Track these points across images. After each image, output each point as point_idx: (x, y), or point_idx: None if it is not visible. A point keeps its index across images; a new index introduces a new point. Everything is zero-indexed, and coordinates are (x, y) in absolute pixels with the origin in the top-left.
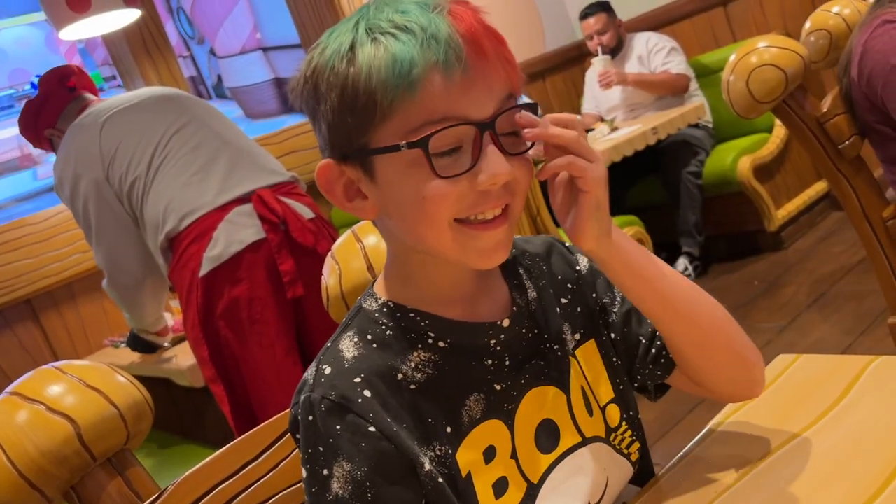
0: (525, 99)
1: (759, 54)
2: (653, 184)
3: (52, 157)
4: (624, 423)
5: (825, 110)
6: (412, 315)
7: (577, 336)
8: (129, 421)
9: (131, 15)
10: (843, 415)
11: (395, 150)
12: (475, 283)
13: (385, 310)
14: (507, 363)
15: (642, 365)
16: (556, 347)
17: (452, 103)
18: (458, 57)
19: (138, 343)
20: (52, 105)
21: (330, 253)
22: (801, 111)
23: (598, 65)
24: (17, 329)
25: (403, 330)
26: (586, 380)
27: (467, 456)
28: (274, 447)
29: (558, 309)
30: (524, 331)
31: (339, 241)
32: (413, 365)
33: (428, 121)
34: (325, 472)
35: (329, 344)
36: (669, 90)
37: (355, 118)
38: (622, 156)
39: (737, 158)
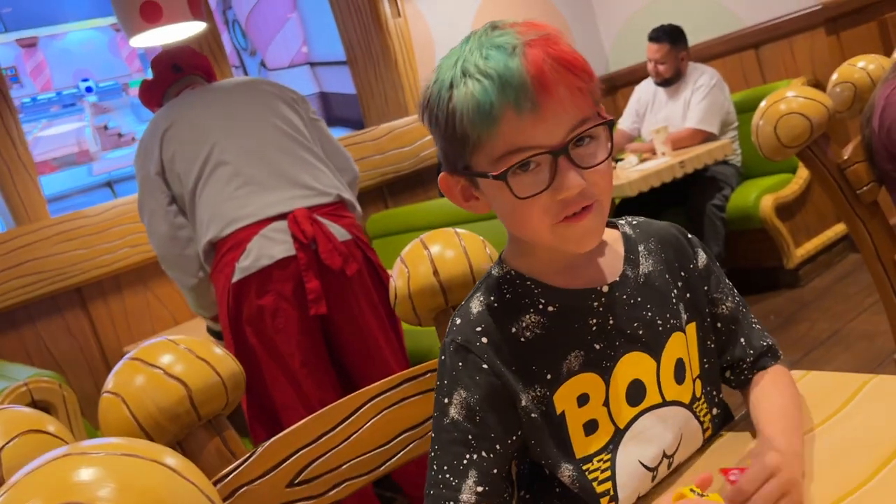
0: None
1: (788, 102)
2: (679, 214)
3: (108, 154)
4: (703, 396)
5: (846, 157)
6: (528, 283)
7: (685, 316)
8: (230, 388)
9: (197, 27)
10: (839, 422)
11: (485, 177)
12: (585, 255)
13: (508, 276)
14: (610, 324)
15: (739, 371)
16: (657, 320)
17: (526, 135)
18: (528, 97)
19: (210, 331)
20: (159, 85)
21: (399, 258)
22: (824, 157)
23: (657, 140)
24: (66, 315)
25: (520, 296)
26: (686, 354)
27: (563, 399)
28: (347, 421)
29: (673, 290)
30: (625, 297)
31: (407, 248)
32: (524, 325)
33: (507, 151)
34: (446, 399)
35: (463, 302)
36: (690, 144)
37: (456, 146)
38: (650, 186)
39: (760, 196)
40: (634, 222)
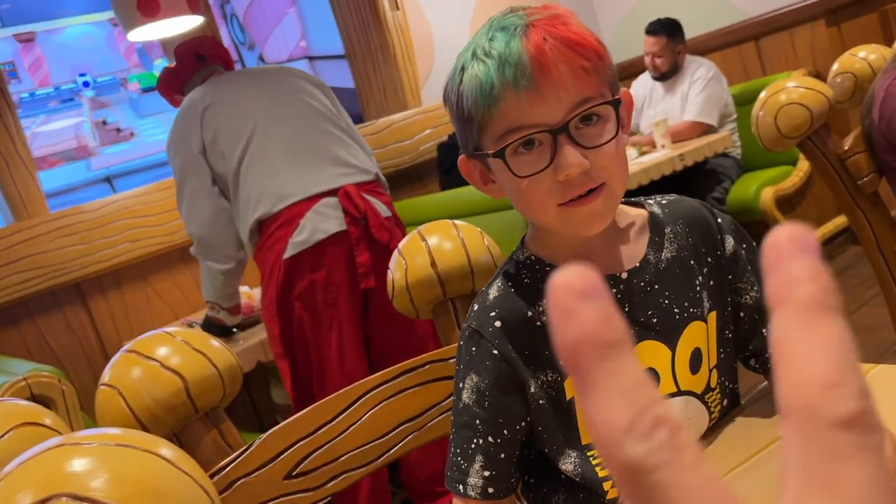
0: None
1: (788, 93)
2: None
3: (107, 149)
4: (718, 387)
5: (846, 148)
6: (547, 268)
7: (707, 304)
8: (227, 380)
9: (195, 21)
10: None
11: (488, 157)
12: (604, 239)
13: (528, 261)
14: (626, 312)
15: (763, 360)
16: (675, 308)
17: (525, 113)
18: (525, 76)
19: (211, 327)
20: (182, 73)
21: (397, 249)
22: (824, 147)
23: (656, 133)
24: (65, 310)
25: (538, 281)
26: (706, 343)
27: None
28: (345, 413)
29: (697, 276)
30: (643, 284)
31: (405, 239)
32: (541, 310)
33: (508, 129)
34: (461, 384)
35: (484, 287)
36: (689, 136)
37: (465, 127)
38: (650, 179)
39: (760, 188)
40: (664, 201)
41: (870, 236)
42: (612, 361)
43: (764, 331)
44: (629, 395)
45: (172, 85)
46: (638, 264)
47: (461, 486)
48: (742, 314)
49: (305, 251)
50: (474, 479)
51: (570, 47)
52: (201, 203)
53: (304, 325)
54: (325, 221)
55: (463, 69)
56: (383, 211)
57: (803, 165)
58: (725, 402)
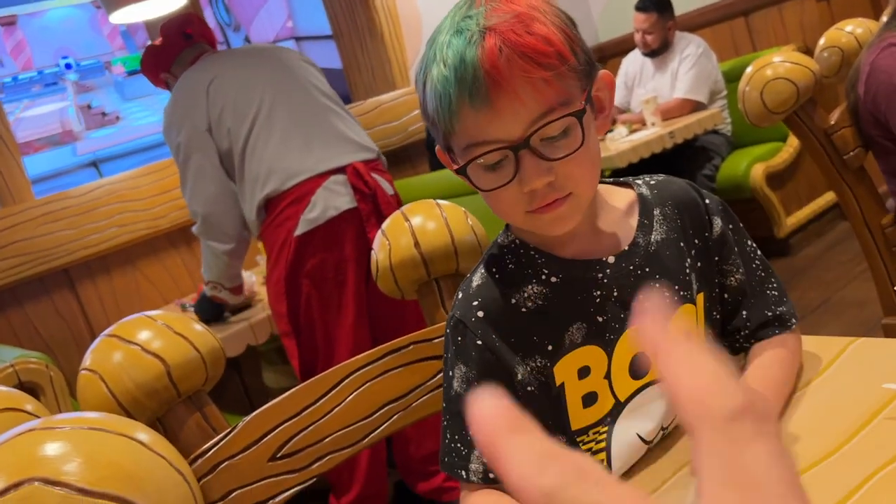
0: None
1: (774, 68)
2: None
3: (93, 133)
4: None
5: (833, 123)
6: (532, 253)
7: (696, 286)
8: (209, 364)
9: (179, 2)
10: (821, 384)
11: (454, 169)
12: (590, 222)
13: (512, 246)
14: (615, 296)
15: (733, 339)
16: (665, 292)
17: (482, 130)
18: (480, 93)
19: (206, 310)
20: (169, 51)
21: (380, 230)
22: (811, 122)
23: (646, 111)
24: (54, 296)
25: (523, 266)
26: (696, 326)
27: (563, 370)
28: (330, 394)
29: (686, 259)
30: (632, 268)
31: (388, 220)
32: (526, 295)
33: (469, 143)
34: (451, 372)
35: (469, 274)
36: (679, 114)
37: (433, 128)
38: (640, 157)
39: (750, 165)
40: (652, 182)
41: (856, 211)
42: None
43: (744, 312)
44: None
45: (159, 62)
46: (626, 248)
47: (463, 472)
48: (726, 296)
49: (318, 228)
50: (475, 465)
51: (528, 58)
52: (207, 179)
53: (312, 303)
54: (336, 198)
55: (427, 66)
56: (388, 189)
57: (793, 141)
58: None
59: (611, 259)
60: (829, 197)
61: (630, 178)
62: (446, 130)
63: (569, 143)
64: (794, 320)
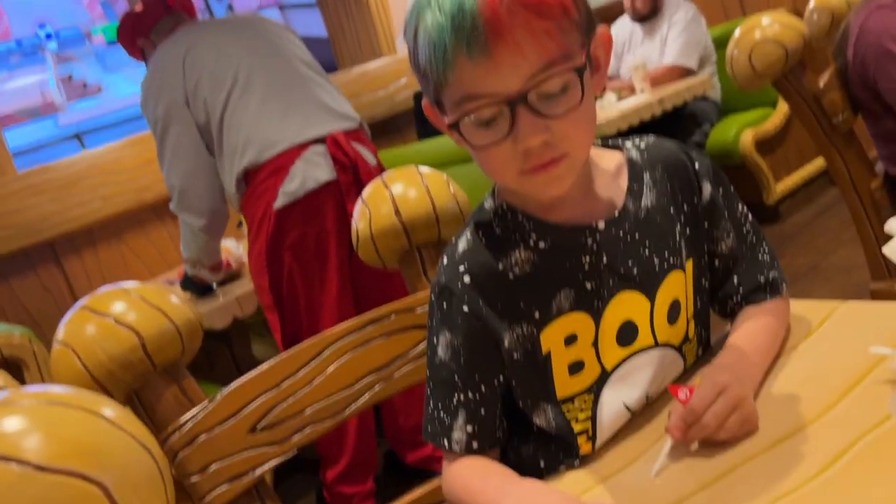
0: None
1: (763, 30)
2: None
3: (75, 105)
4: (695, 338)
5: (822, 86)
6: (519, 218)
7: (685, 253)
8: (185, 336)
9: None
10: (808, 348)
11: (445, 119)
12: (580, 186)
13: (499, 210)
14: (604, 263)
15: (724, 304)
16: (654, 259)
17: (479, 82)
18: (479, 43)
19: (191, 285)
20: (149, 17)
21: (360, 198)
22: (799, 86)
23: (635, 77)
24: (39, 270)
25: (510, 231)
26: (684, 293)
27: (550, 337)
28: (310, 365)
29: (676, 225)
30: (622, 234)
31: (368, 188)
32: (513, 261)
33: (463, 96)
34: (435, 339)
35: (454, 239)
36: (668, 80)
37: (424, 80)
38: (629, 125)
39: (740, 131)
40: (643, 145)
41: (845, 175)
42: None
43: (735, 278)
44: None
45: (138, 29)
46: (617, 214)
47: (446, 441)
48: (717, 262)
49: (297, 201)
50: (458, 434)
51: (531, 7)
52: (185, 153)
53: (295, 277)
54: (315, 170)
55: (419, 13)
56: (370, 159)
57: (783, 107)
58: (701, 351)
59: (601, 225)
60: (818, 163)
61: (620, 140)
62: (438, 82)
63: (567, 100)
64: (784, 286)
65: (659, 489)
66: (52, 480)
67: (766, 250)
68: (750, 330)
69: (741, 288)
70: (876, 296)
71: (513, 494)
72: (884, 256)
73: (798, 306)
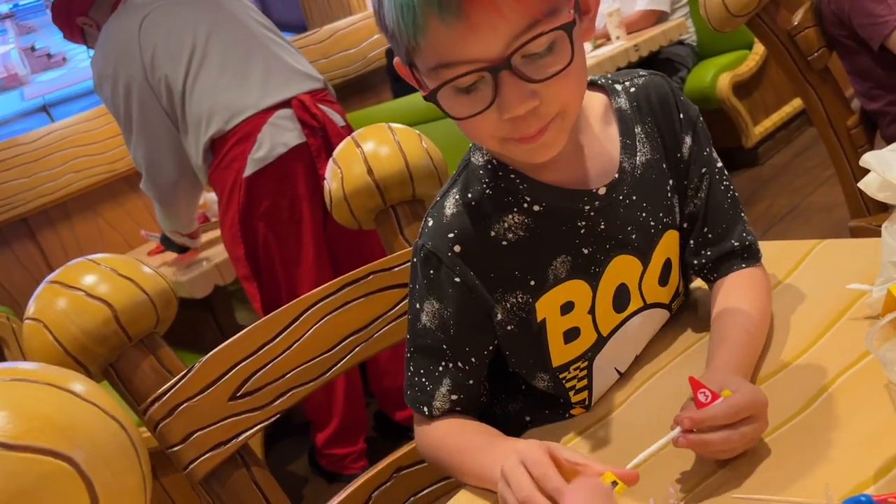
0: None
1: None
2: None
3: (39, 76)
4: (682, 294)
5: (796, 23)
6: (512, 176)
7: (677, 210)
8: (159, 306)
9: None
10: (788, 287)
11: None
12: (573, 142)
13: (489, 167)
14: (602, 228)
15: (700, 272)
16: (651, 221)
17: (454, 48)
18: (451, 4)
19: (170, 243)
20: None
21: (331, 158)
22: (773, 24)
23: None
24: (14, 247)
25: (502, 191)
26: (676, 252)
27: (545, 306)
28: (289, 329)
29: (669, 180)
30: (621, 198)
31: (339, 147)
32: (507, 226)
33: (439, 63)
34: (417, 305)
35: (438, 197)
36: (643, 26)
37: (393, 41)
38: (605, 72)
39: (717, 76)
40: (633, 89)
41: (821, 113)
42: None
43: (710, 235)
44: None
45: (76, 6)
46: (616, 175)
47: (426, 408)
48: (685, 224)
49: (267, 168)
50: (440, 402)
51: None
52: (152, 126)
53: (270, 245)
54: (283, 134)
55: None
56: (338, 120)
57: (759, 49)
58: (684, 302)
59: (602, 190)
60: (795, 104)
61: (606, 80)
62: (410, 46)
63: (555, 61)
64: (758, 253)
65: (645, 429)
66: (20, 458)
67: (743, 213)
68: (738, 319)
69: (709, 253)
70: (855, 233)
71: (500, 447)
72: (861, 193)
73: (777, 247)
